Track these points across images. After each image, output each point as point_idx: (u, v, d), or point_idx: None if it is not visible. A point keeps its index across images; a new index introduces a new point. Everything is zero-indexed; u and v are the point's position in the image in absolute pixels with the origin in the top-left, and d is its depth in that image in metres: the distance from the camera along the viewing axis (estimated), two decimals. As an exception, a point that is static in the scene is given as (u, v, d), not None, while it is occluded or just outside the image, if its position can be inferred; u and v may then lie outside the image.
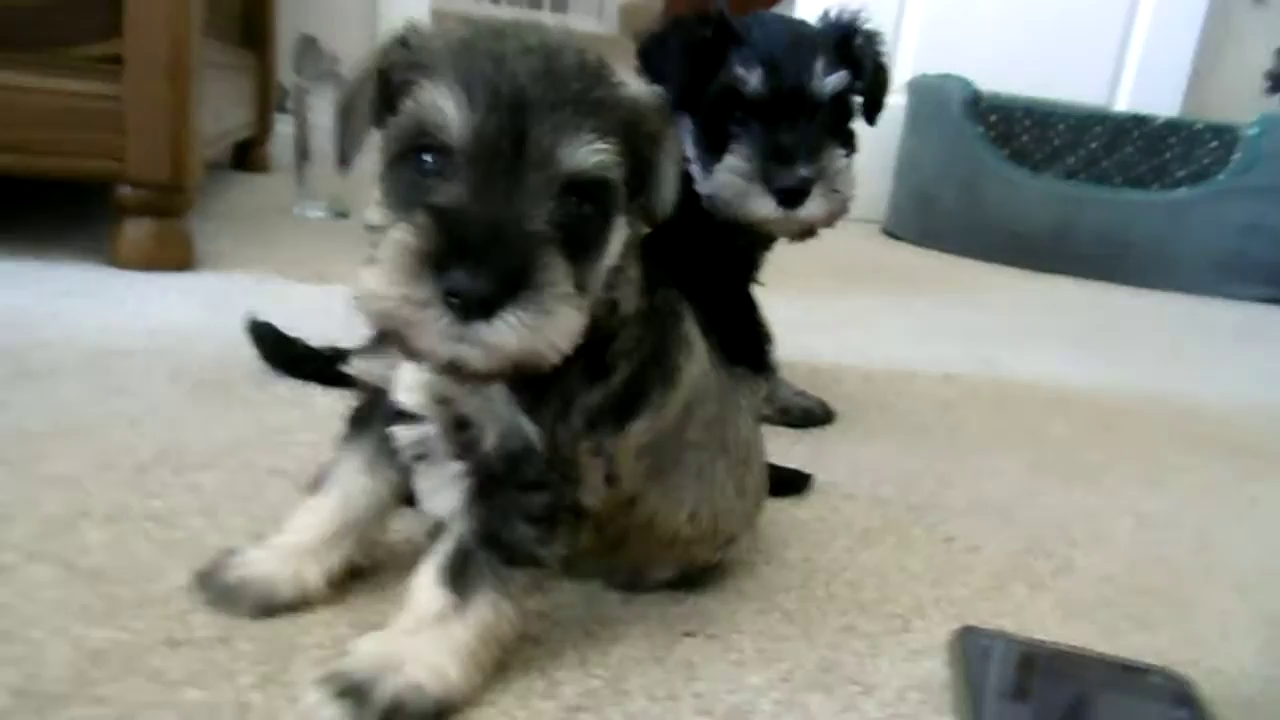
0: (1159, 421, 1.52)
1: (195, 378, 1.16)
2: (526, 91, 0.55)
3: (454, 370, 0.55)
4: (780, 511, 0.98)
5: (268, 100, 2.99)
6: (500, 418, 0.62)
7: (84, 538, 0.77)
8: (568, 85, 0.57)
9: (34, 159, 1.52)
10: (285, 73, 3.27)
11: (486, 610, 0.62)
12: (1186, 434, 1.46)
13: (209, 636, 0.66)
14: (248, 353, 1.26)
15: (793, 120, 1.08)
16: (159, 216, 1.61)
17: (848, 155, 1.11)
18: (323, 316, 1.48)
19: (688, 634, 0.74)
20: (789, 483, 1.04)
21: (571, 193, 0.57)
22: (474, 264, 0.51)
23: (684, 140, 1.08)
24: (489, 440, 0.62)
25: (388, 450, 0.70)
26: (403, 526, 0.82)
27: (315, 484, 0.74)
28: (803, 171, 1.05)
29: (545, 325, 0.53)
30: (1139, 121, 3.30)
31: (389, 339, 0.58)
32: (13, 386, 1.06)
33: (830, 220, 1.09)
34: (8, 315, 1.30)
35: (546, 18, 6.65)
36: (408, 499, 0.74)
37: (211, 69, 1.96)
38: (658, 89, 0.67)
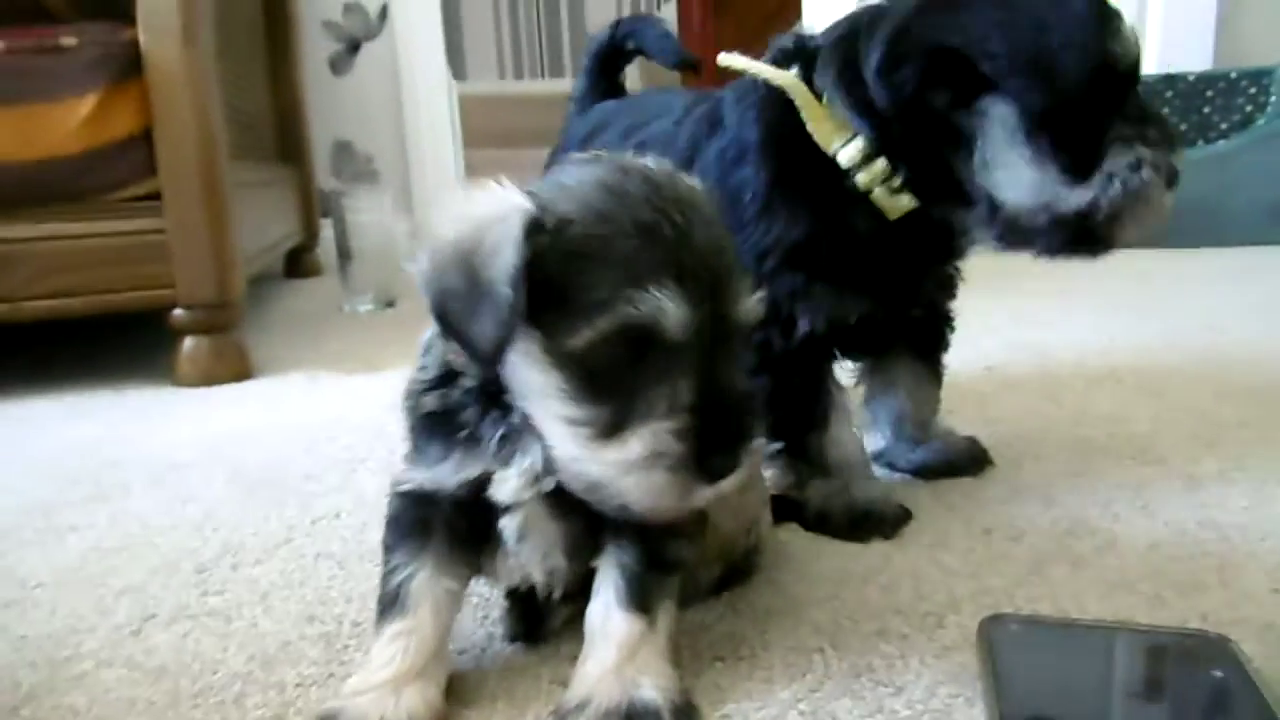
0: (1211, 379, 1.47)
1: (253, 478, 1.23)
2: (717, 271, 0.62)
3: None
4: (813, 527, 0.99)
5: (311, 208, 3.15)
6: None
7: (150, 640, 0.83)
8: (726, 245, 0.64)
9: (94, 299, 1.65)
10: (325, 179, 3.46)
11: (665, 616, 0.71)
12: (1241, 388, 1.41)
13: (262, 716, 0.70)
14: (300, 448, 1.34)
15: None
16: (212, 333, 1.72)
17: None
18: (372, 403, 1.56)
19: (718, 659, 0.76)
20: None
21: None
22: (727, 449, 0.61)
23: (1013, 142, 0.83)
24: None
25: (457, 547, 0.71)
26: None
27: (391, 605, 0.70)
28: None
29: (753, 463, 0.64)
30: (1170, 81, 3.23)
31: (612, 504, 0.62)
32: (89, 509, 1.14)
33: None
34: (83, 444, 1.41)
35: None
36: None
37: (251, 188, 2.10)
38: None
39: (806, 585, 0.87)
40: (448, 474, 0.69)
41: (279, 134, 3.01)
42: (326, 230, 3.26)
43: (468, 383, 0.68)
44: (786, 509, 0.99)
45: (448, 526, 0.71)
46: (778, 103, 0.95)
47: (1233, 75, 3.20)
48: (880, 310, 0.98)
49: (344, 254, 2.51)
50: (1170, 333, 1.81)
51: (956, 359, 1.66)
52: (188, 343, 1.72)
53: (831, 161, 0.92)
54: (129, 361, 1.91)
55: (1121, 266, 2.57)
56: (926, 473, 1.12)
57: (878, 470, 1.13)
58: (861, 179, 0.91)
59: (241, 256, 1.78)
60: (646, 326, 0.58)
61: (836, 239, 0.94)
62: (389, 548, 0.72)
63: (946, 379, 1.19)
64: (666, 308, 0.58)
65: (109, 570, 0.97)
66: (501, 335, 0.59)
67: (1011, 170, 0.83)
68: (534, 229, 0.59)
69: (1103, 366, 1.58)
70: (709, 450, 0.60)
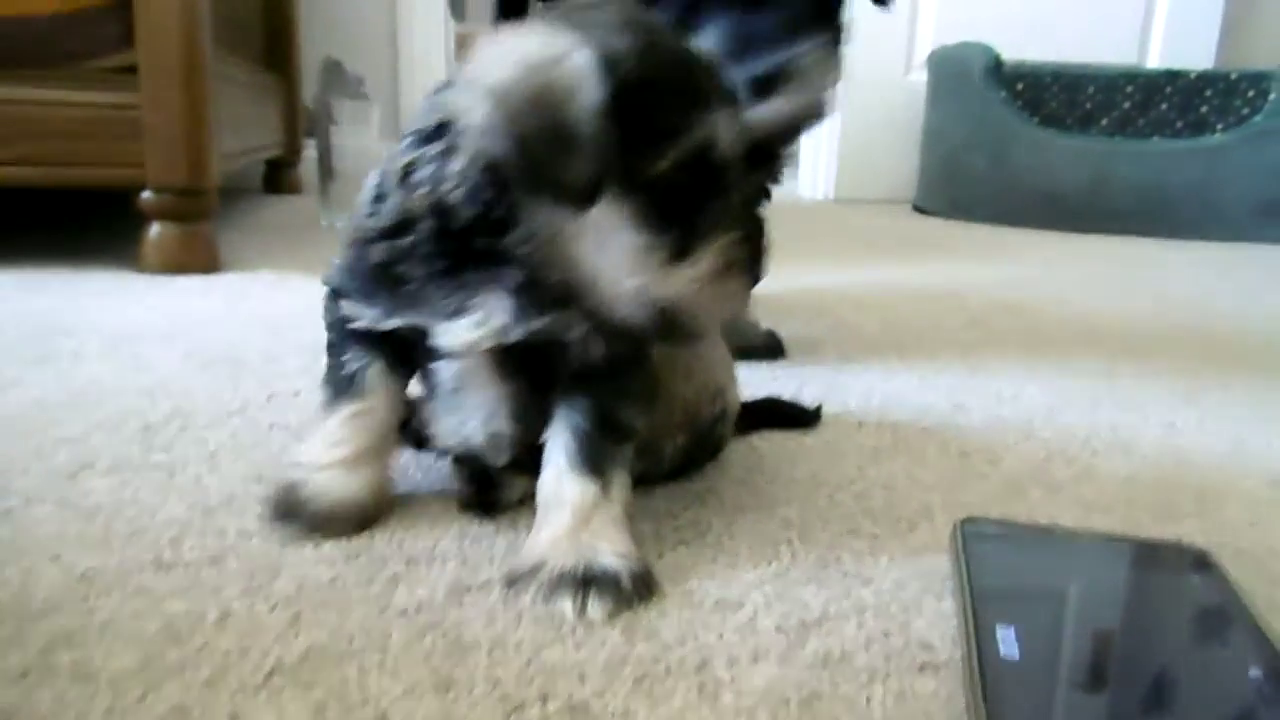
0: (1194, 345, 1.46)
1: (211, 354, 1.18)
2: (730, 95, 0.65)
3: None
4: (788, 439, 0.97)
5: (295, 122, 3.06)
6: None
7: (87, 485, 0.78)
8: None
9: (57, 171, 1.57)
10: (313, 101, 3.37)
11: (620, 486, 0.69)
12: (1224, 354, 1.40)
13: (199, 558, 0.67)
14: (263, 333, 1.29)
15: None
16: (181, 220, 1.66)
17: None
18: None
19: (681, 543, 0.73)
20: (797, 418, 1.02)
21: None
22: (762, 256, 0.65)
23: None
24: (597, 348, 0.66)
25: (403, 356, 0.72)
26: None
27: (346, 388, 0.72)
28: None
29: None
30: (1172, 77, 3.21)
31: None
32: (35, 368, 1.09)
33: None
34: (37, 315, 1.35)
35: None
36: None
37: (233, 85, 2.02)
38: None
39: (777, 487, 0.84)
40: (380, 318, 0.69)
41: (267, 41, 2.91)
42: (309, 150, 3.18)
43: (425, 229, 0.65)
44: (758, 416, 0.97)
45: (391, 340, 0.70)
46: None
47: (1233, 76, 3.19)
48: None
49: (326, 172, 2.45)
50: (1154, 306, 1.80)
51: (938, 309, 1.64)
52: (154, 228, 1.65)
53: None
54: (93, 245, 1.84)
55: (1104, 251, 2.59)
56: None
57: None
58: None
59: (218, 145, 1.71)
60: (714, 147, 0.60)
61: None
62: (335, 345, 0.73)
63: (927, 324, 1.18)
64: (725, 128, 0.60)
65: (50, 422, 0.92)
66: (598, 171, 0.57)
67: None
68: (603, 64, 0.57)
69: (1085, 329, 1.57)
70: (757, 255, 0.63)
